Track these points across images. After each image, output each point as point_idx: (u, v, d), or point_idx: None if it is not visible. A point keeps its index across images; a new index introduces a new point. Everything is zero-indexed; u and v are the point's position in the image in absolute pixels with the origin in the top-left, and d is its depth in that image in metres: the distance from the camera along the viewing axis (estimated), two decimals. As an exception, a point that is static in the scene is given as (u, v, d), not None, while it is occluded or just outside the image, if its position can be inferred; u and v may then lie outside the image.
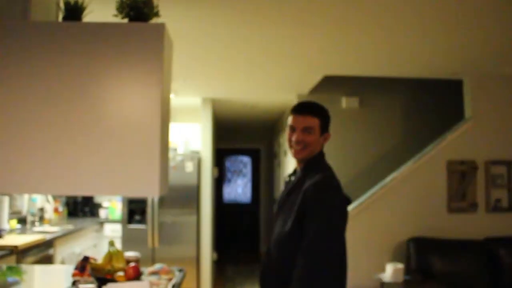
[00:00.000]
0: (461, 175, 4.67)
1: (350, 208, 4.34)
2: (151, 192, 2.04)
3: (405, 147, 5.40)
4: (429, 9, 3.01)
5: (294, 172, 2.09)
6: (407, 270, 4.25)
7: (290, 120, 1.98)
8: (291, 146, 1.98)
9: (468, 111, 4.83)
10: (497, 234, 4.58)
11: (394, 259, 4.46)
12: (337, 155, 5.53)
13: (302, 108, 1.98)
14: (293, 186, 1.96)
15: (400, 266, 4.07)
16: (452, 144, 4.71)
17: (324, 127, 1.98)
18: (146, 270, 2.42)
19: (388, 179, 4.69)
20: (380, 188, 4.60)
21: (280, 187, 7.34)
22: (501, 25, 3.32)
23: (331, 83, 5.31)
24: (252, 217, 10.10)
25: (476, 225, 4.64)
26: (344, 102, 5.56)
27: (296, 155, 1.97)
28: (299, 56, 4.14)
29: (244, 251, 9.71)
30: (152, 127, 2.06)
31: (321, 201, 1.82)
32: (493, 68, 4.53)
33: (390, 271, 4.03)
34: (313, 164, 1.97)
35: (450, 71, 4.71)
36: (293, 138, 1.94)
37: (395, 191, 4.61)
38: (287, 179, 2.12)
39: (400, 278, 4.01)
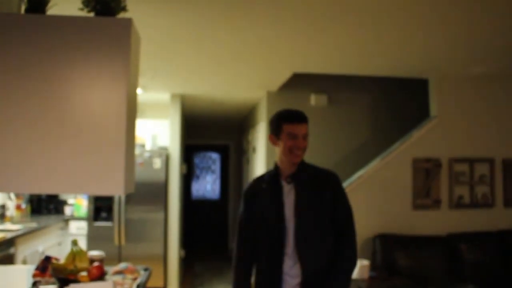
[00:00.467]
0: (425, 172, 4.77)
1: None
2: (116, 191, 2.00)
3: (373, 144, 5.49)
4: (396, 10, 3.05)
5: (274, 176, 2.24)
6: (373, 266, 4.31)
7: (288, 128, 2.15)
8: (290, 152, 2.15)
9: (433, 109, 4.94)
10: (459, 230, 4.71)
11: (360, 255, 4.51)
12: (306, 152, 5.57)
13: (300, 118, 2.18)
14: (303, 182, 2.18)
15: (366, 262, 4.13)
16: (418, 142, 4.80)
17: None
18: (110, 269, 2.38)
19: (355, 176, 4.75)
20: (347, 185, 4.66)
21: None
22: (466, 27, 3.39)
23: (300, 80, 5.33)
24: (220, 213, 10.08)
25: (439, 221, 4.75)
26: (313, 99, 5.59)
27: (296, 159, 2.17)
28: (268, 53, 4.13)
29: (213, 247, 9.69)
30: (117, 123, 2.01)
31: (342, 186, 2.28)
32: (457, 68, 4.64)
33: (356, 267, 4.08)
34: (304, 163, 2.24)
35: (416, 71, 4.79)
36: (298, 145, 2.15)
37: (362, 188, 4.67)
38: (264, 185, 2.26)
39: (366, 274, 4.07)
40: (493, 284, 4.36)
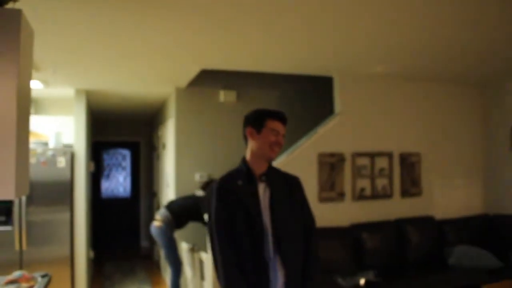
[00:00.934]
0: (330, 166, 4.98)
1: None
2: (6, 194, 1.87)
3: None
4: (299, 9, 3.14)
5: (248, 173, 2.27)
6: (282, 259, 4.42)
7: (273, 124, 2.26)
8: (270, 147, 2.24)
9: (337, 106, 5.15)
10: (361, 221, 4.98)
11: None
12: (215, 147, 5.59)
13: (284, 118, 2.33)
14: (275, 182, 2.29)
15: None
16: (323, 138, 4.98)
17: None
18: (3, 279, 2.23)
19: (264, 171, 4.83)
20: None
21: (163, 180, 7.23)
22: (367, 28, 3.57)
23: (209, 77, 5.32)
24: (132, 211, 9.84)
25: (343, 213, 4.98)
26: (222, 95, 5.62)
27: (273, 155, 2.28)
28: (175, 49, 4.07)
29: (124, 247, 9.43)
30: (6, 122, 1.88)
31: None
32: (359, 67, 4.88)
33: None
34: (271, 165, 2.35)
35: (321, 69, 4.97)
36: (278, 142, 2.27)
37: (271, 183, 4.76)
38: (240, 182, 2.26)
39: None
40: (391, 269, 4.66)
